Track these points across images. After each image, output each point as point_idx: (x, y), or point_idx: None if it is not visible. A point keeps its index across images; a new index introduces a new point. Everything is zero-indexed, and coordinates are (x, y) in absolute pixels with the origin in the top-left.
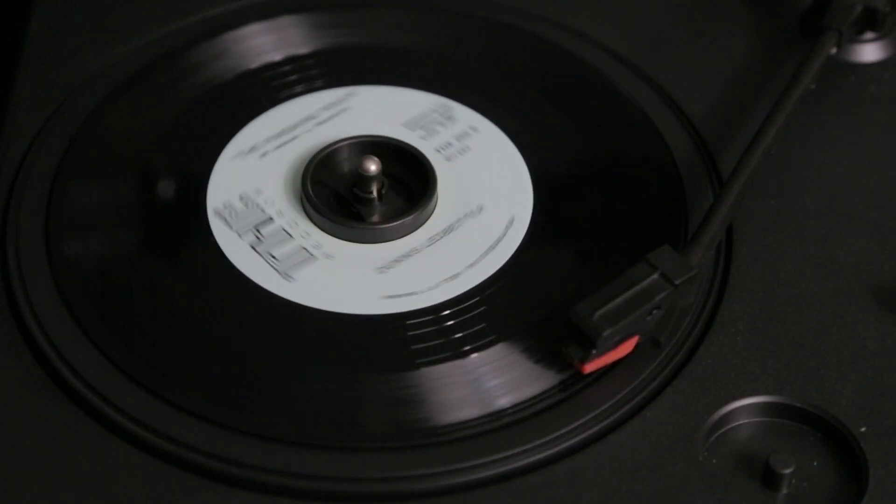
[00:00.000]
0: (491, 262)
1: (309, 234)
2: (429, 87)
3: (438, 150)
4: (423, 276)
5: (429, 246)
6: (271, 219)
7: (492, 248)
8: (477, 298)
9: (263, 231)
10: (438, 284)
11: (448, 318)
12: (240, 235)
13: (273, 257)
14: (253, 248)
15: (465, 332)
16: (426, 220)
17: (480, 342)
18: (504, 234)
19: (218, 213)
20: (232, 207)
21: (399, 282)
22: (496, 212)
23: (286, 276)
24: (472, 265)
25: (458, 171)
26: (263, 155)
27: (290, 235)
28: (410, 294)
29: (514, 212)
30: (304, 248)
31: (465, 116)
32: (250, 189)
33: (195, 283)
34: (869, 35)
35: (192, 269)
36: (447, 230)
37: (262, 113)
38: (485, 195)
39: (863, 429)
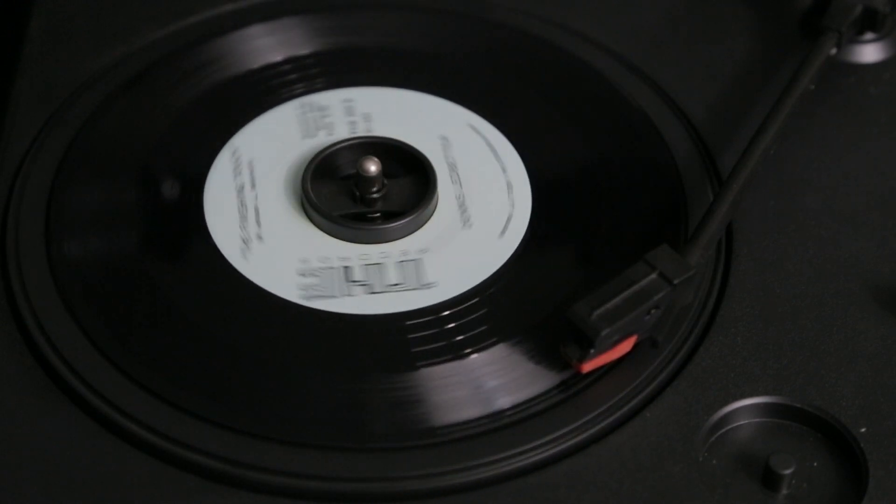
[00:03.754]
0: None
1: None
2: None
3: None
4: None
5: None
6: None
7: (502, 233)
8: (477, 299)
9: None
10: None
11: (448, 318)
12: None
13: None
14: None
15: (465, 333)
16: (430, 215)
17: (480, 343)
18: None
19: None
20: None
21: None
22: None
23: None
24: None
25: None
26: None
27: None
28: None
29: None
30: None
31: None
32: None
33: (195, 283)
34: (869, 35)
35: (192, 269)
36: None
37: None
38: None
39: (863, 429)
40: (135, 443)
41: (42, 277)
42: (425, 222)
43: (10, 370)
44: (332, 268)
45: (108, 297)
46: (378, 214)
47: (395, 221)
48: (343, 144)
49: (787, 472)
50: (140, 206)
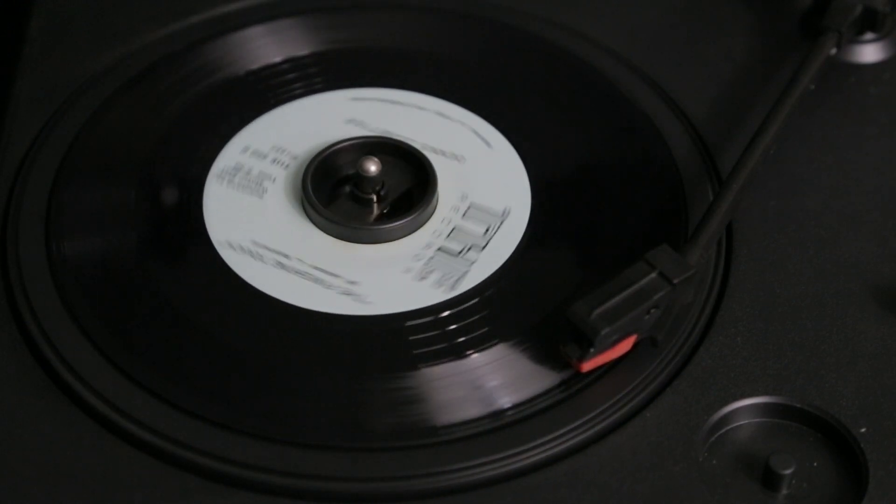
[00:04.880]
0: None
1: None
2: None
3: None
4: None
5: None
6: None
7: (503, 232)
8: (477, 299)
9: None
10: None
11: (448, 318)
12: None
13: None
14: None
15: (465, 333)
16: (431, 214)
17: (481, 342)
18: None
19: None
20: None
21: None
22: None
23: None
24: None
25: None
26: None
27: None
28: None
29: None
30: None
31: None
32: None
33: (195, 283)
34: (869, 35)
35: (192, 269)
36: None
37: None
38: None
39: (863, 429)
40: (135, 443)
41: (42, 277)
42: (425, 222)
43: (10, 370)
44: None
45: (108, 297)
46: (377, 214)
47: (395, 221)
48: (343, 144)
49: (787, 472)
50: (140, 207)
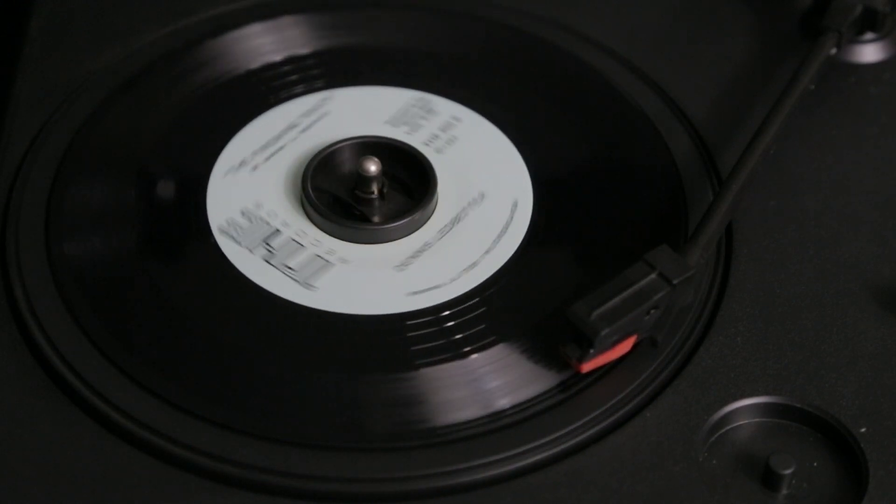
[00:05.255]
0: (505, 247)
1: (319, 242)
2: (401, 83)
3: (427, 143)
4: (443, 268)
5: (440, 238)
6: (279, 230)
7: (503, 232)
8: (477, 299)
9: (273, 244)
10: (459, 274)
11: (448, 318)
12: (251, 251)
13: (289, 268)
14: (267, 261)
15: (465, 333)
16: (431, 214)
17: (481, 343)
18: (511, 219)
19: (223, 232)
20: (235, 224)
21: (420, 277)
22: (498, 197)
23: (307, 285)
24: (487, 251)
25: (451, 162)
26: (254, 168)
27: (301, 245)
28: (434, 288)
29: (516, 195)
30: (319, 256)
31: (445, 108)
32: (250, 203)
33: (194, 283)
34: (869, 35)
35: (192, 269)
36: (455, 220)
37: (257, 116)
38: (483, 182)
39: (863, 429)
40: (135, 443)
41: (42, 277)
42: (425, 222)
43: (10, 370)
44: (267, 224)
45: (108, 297)
46: (377, 215)
47: (395, 222)
48: (343, 144)
49: (787, 472)
50: (140, 206)
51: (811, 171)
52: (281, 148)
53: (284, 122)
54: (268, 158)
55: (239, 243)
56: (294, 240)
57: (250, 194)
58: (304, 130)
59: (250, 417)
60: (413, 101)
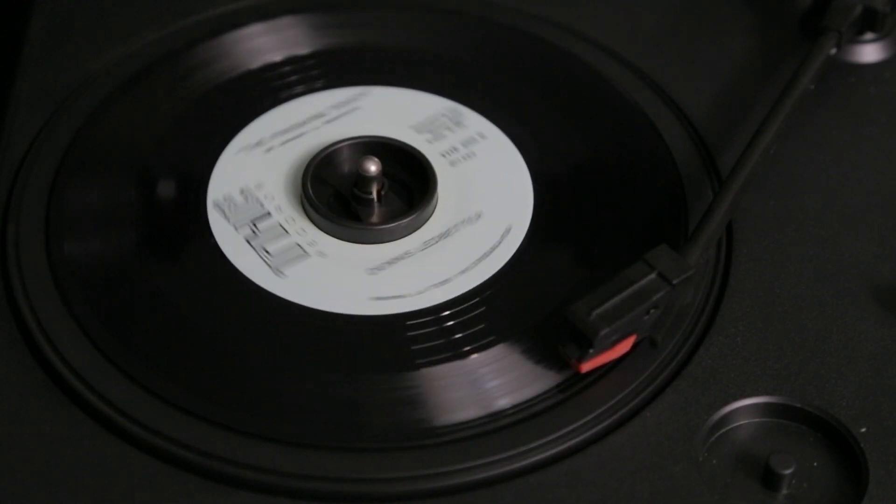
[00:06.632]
0: (483, 269)
1: (305, 231)
2: (438, 90)
3: (444, 155)
4: (413, 280)
5: (423, 250)
6: (269, 213)
7: (485, 255)
8: (477, 299)
9: (260, 225)
10: (427, 289)
11: (448, 318)
12: (236, 228)
13: (267, 252)
14: (248, 241)
15: (465, 333)
16: (423, 223)
17: (480, 343)
18: (499, 243)
19: (217, 206)
20: (231, 200)
21: (388, 284)
22: (494, 220)
23: (278, 271)
24: (463, 271)
25: (461, 177)
26: (269, 150)
27: (286, 231)
28: (398, 297)
29: (512, 221)
30: (298, 245)
31: (474, 122)
32: (251, 183)
33: (195, 283)
34: (869, 35)
35: (193, 269)
36: (443, 235)
37: (269, 110)
38: (485, 203)
39: (863, 429)
40: (135, 443)
41: (42, 277)
42: (425, 222)
43: (10, 370)
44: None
45: (108, 297)
46: (377, 215)
47: (395, 221)
48: (343, 144)
49: (787, 472)
50: (140, 206)
51: (811, 171)
52: (301, 135)
53: (314, 110)
54: (284, 143)
55: (228, 220)
56: (281, 225)
57: (255, 174)
58: (329, 121)
59: (250, 417)
60: (445, 111)
